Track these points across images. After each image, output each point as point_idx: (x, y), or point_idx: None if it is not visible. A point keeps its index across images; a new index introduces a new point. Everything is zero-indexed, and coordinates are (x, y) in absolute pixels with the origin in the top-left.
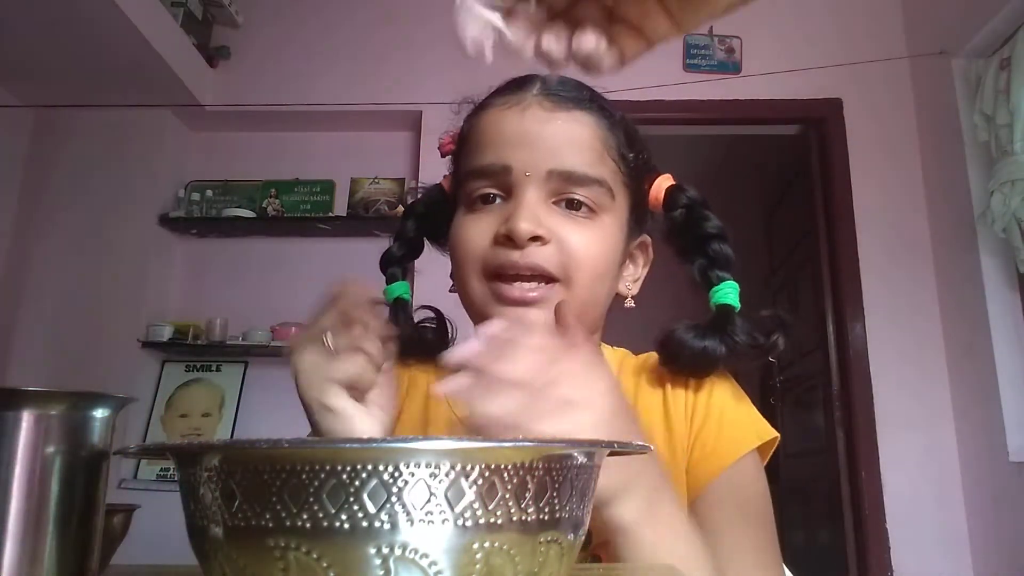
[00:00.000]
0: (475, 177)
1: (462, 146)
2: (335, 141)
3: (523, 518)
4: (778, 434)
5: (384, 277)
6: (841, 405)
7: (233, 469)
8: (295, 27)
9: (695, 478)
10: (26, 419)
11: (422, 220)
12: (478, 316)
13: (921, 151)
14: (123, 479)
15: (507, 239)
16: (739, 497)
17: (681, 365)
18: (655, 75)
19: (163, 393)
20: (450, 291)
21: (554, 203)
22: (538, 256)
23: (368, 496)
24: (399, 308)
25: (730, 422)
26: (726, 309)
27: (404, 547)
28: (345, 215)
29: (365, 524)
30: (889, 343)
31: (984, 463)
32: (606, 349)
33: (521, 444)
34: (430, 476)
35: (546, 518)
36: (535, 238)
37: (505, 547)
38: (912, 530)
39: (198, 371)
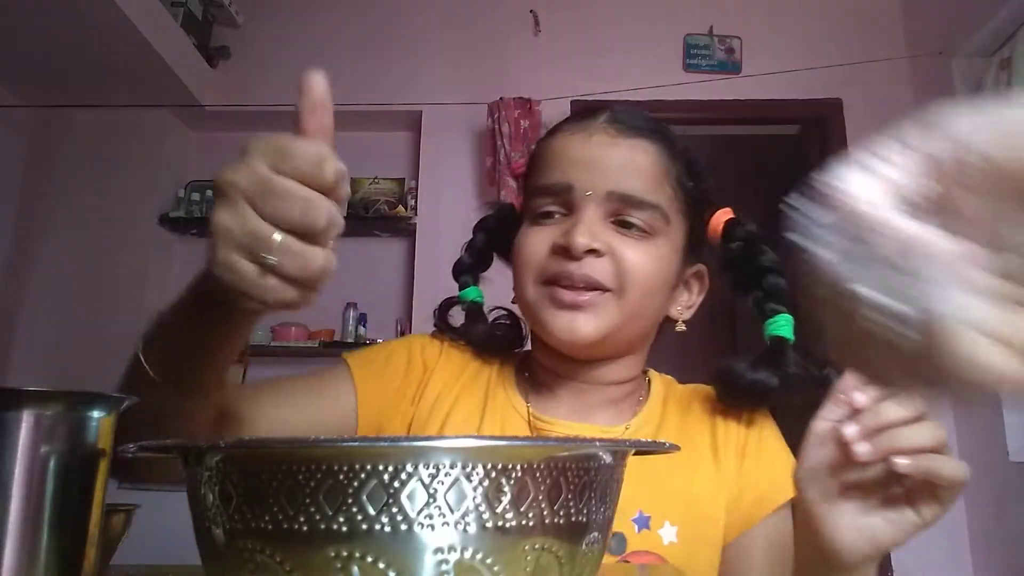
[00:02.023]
0: (540, 194)
1: (531, 167)
2: (335, 141)
3: (557, 520)
4: None
5: (457, 284)
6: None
7: (263, 469)
8: (295, 27)
9: (742, 516)
10: (26, 419)
11: (492, 234)
12: (532, 319)
13: None
14: None
15: (564, 250)
16: (777, 541)
17: (735, 397)
18: (655, 75)
19: None
20: (513, 301)
21: (611, 222)
22: (592, 268)
23: (406, 498)
24: (474, 309)
25: (780, 466)
26: (780, 341)
27: (459, 550)
28: (345, 215)
29: (405, 527)
30: None
31: (984, 463)
32: (653, 375)
33: (548, 444)
34: (464, 476)
35: (584, 520)
36: (591, 251)
37: (553, 549)
38: None
39: None
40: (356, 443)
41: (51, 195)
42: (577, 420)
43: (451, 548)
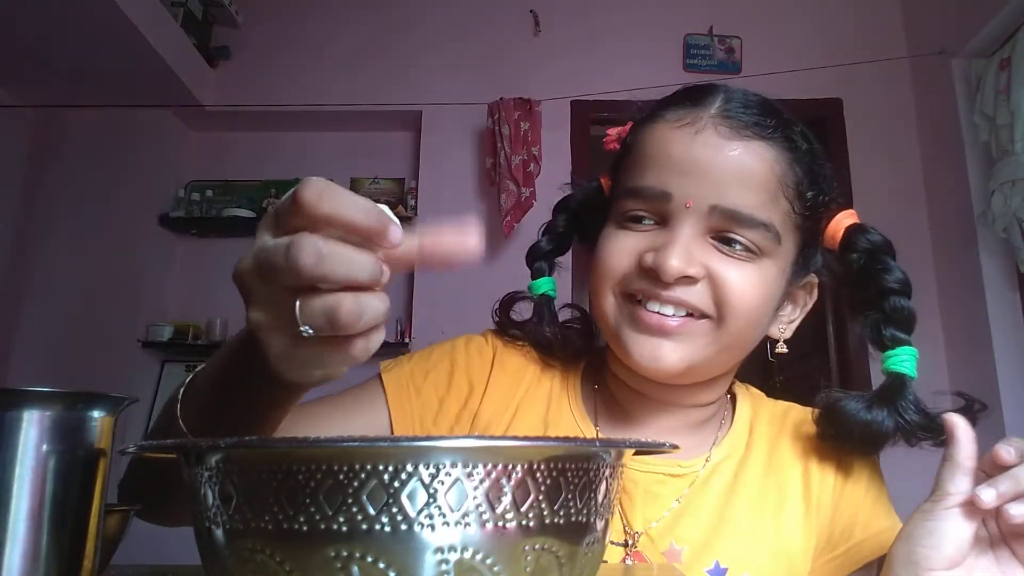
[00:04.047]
0: (630, 196)
1: (625, 155)
2: (335, 141)
3: (557, 520)
4: None
5: (530, 271)
6: None
7: (262, 468)
8: (295, 27)
9: (831, 567)
10: (26, 419)
11: (574, 217)
12: (609, 335)
13: (921, 151)
14: None
15: (653, 272)
16: None
17: (842, 439)
18: (655, 75)
19: (163, 393)
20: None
21: (711, 238)
22: (686, 293)
23: (406, 497)
24: (544, 305)
25: (880, 516)
26: (900, 379)
27: (459, 550)
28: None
29: (405, 527)
30: None
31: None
32: (740, 388)
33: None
34: (466, 476)
35: (584, 520)
36: (685, 277)
37: (553, 549)
38: None
39: None
40: (356, 443)
41: (51, 195)
42: None
43: (451, 548)
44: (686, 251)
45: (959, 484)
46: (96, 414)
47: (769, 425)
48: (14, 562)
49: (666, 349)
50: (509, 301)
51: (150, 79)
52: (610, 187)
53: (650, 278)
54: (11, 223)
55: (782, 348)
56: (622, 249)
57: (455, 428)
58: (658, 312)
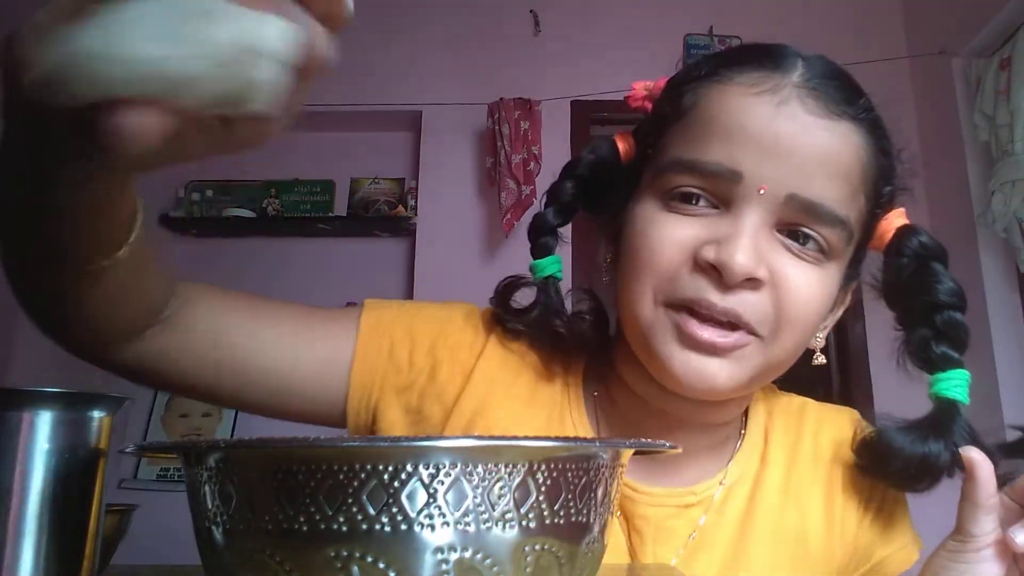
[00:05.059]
0: (684, 170)
1: (676, 117)
2: (335, 141)
3: (556, 520)
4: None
5: (531, 247)
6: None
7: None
8: None
9: None
10: (26, 419)
11: (582, 183)
12: (642, 345)
13: (921, 151)
14: (123, 479)
15: (713, 269)
16: None
17: (889, 475)
18: (655, 75)
19: (163, 393)
20: (604, 280)
21: (778, 231)
22: (742, 303)
23: (406, 498)
24: (551, 288)
25: (899, 534)
26: (952, 406)
27: (459, 550)
28: (345, 215)
29: (405, 527)
30: (889, 343)
31: None
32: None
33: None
34: (469, 475)
35: (584, 520)
36: (750, 280)
37: (552, 549)
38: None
39: None
40: (356, 443)
41: None
42: (662, 479)
43: (451, 548)
44: (755, 246)
45: (983, 525)
46: (96, 414)
47: (785, 431)
48: (14, 562)
49: (714, 367)
50: (510, 286)
51: None
52: (636, 151)
53: (709, 277)
54: None
55: (820, 359)
56: (672, 239)
57: (414, 400)
58: (709, 319)
